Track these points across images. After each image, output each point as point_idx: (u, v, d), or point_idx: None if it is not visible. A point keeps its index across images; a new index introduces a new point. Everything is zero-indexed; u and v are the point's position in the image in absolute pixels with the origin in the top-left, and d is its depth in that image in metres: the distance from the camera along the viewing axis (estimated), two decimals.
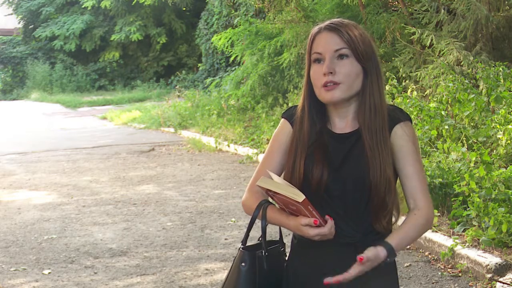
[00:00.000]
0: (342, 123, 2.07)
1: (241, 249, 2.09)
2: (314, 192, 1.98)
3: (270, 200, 2.05)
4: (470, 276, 4.56)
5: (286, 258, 2.16)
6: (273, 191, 1.92)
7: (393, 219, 2.08)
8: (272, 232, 2.11)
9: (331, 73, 1.98)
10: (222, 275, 4.86)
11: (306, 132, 2.06)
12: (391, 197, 2.00)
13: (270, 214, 2.04)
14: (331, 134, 2.06)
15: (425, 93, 8.63)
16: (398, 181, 2.08)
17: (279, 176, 2.05)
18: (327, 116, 2.08)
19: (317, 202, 1.95)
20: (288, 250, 2.17)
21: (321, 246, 2.01)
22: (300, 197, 1.87)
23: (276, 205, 2.04)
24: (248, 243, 2.12)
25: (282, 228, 2.10)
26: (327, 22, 2.04)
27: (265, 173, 2.07)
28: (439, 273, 4.72)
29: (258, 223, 2.08)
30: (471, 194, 5.16)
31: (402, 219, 2.11)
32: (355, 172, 2.00)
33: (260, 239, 2.09)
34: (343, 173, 2.00)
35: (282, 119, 2.15)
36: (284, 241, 2.18)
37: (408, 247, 5.31)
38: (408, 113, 2.12)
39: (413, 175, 2.02)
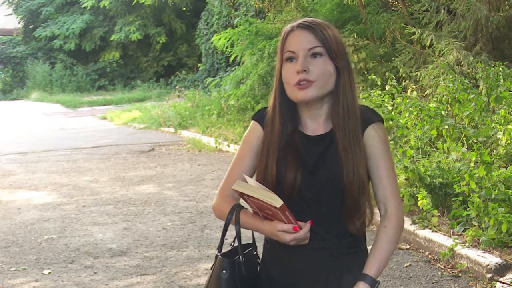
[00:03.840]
0: (314, 124, 2.04)
1: (219, 256, 2.05)
2: (287, 196, 1.94)
3: (243, 203, 2.02)
4: (470, 276, 4.56)
5: (259, 261, 2.13)
6: (248, 195, 1.88)
7: (367, 221, 2.06)
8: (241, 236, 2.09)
9: (305, 71, 1.95)
10: None
11: (277, 134, 2.03)
12: (364, 198, 1.98)
13: (244, 219, 2.01)
14: (304, 136, 2.03)
15: (425, 93, 8.63)
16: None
17: None
18: (298, 118, 2.05)
19: (290, 205, 1.90)
20: (260, 253, 2.14)
21: (296, 250, 1.98)
22: (277, 202, 1.84)
23: (249, 209, 2.01)
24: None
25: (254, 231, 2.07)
26: (300, 21, 2.02)
27: (235, 177, 2.03)
28: (439, 273, 4.72)
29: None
30: (471, 194, 5.16)
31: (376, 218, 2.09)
32: (329, 175, 1.97)
33: (233, 243, 2.06)
34: (317, 176, 1.98)
35: (252, 121, 2.11)
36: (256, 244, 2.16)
37: (408, 247, 5.31)
38: (380, 113, 2.10)
39: (385, 177, 2.01)
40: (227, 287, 2.01)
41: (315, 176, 1.98)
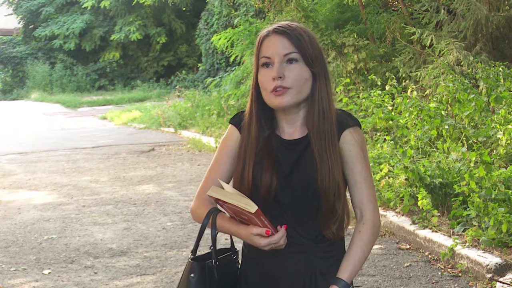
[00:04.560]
0: (291, 129, 2.04)
1: (190, 259, 2.05)
2: (263, 200, 1.95)
3: (220, 208, 2.02)
4: (470, 276, 4.56)
5: (239, 266, 2.13)
6: (223, 200, 1.89)
7: (344, 225, 2.05)
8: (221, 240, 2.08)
9: (281, 77, 1.95)
10: None
11: (254, 138, 2.02)
12: (340, 203, 1.97)
13: (220, 223, 2.00)
14: (280, 140, 2.03)
15: (425, 93, 8.63)
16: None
17: (228, 183, 2.03)
18: (275, 122, 2.05)
19: (267, 209, 1.90)
20: (240, 257, 2.14)
21: (272, 255, 1.98)
22: (252, 208, 1.84)
23: (226, 213, 2.01)
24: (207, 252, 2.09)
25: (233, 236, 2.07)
26: (275, 26, 2.01)
27: (213, 181, 2.04)
28: (439, 273, 4.72)
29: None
30: (471, 194, 5.16)
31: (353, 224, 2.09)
32: (304, 179, 1.97)
33: (211, 247, 2.06)
34: (292, 180, 1.97)
35: (230, 125, 2.11)
36: (236, 248, 2.15)
37: (408, 247, 5.31)
38: (357, 118, 2.09)
39: (361, 181, 2.01)
40: None
41: (290, 180, 1.97)
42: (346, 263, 1.98)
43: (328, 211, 1.96)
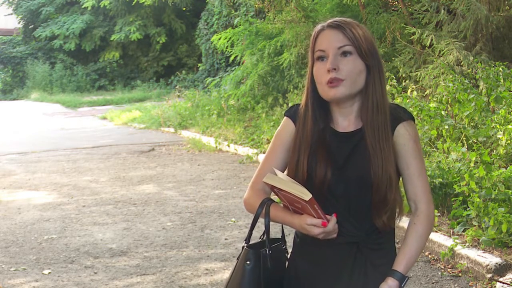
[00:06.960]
0: (345, 122, 2.07)
1: (245, 247, 2.09)
2: (317, 191, 1.98)
3: (274, 197, 2.05)
4: (470, 276, 4.56)
5: (288, 256, 2.16)
6: (279, 188, 1.92)
7: (396, 215, 2.09)
8: (270, 230, 2.11)
9: (335, 69, 1.99)
10: (222, 275, 4.86)
11: (309, 131, 2.07)
12: (392, 194, 2.01)
13: (274, 212, 2.04)
14: (335, 133, 2.07)
15: (425, 93, 8.63)
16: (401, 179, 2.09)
17: None
18: (330, 115, 2.09)
19: (320, 200, 1.95)
20: (289, 247, 2.17)
21: (324, 245, 2.01)
22: (306, 195, 1.88)
23: (281, 203, 2.05)
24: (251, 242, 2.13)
25: (284, 225, 2.11)
26: (330, 20, 2.05)
27: (267, 171, 2.08)
28: (439, 273, 4.72)
29: (260, 221, 2.08)
30: (471, 194, 5.16)
31: (404, 219, 2.11)
32: (358, 171, 2.00)
33: (262, 237, 2.10)
34: (346, 172, 2.01)
35: (285, 118, 2.15)
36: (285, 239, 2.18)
37: None
38: (411, 112, 2.12)
39: (415, 175, 2.04)
40: (250, 278, 2.04)
41: (344, 172, 2.01)
42: (402, 255, 2.03)
43: (380, 202, 2.00)
